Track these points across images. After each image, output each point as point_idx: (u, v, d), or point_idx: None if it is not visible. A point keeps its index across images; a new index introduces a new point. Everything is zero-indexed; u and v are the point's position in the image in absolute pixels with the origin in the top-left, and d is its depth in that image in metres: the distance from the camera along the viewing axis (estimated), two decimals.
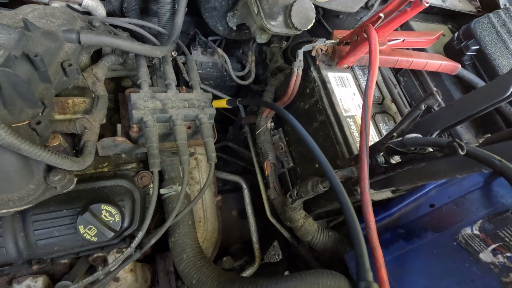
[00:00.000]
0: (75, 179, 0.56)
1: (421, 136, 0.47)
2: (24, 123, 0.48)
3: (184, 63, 1.02)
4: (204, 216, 0.95)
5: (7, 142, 0.42)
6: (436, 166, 0.52)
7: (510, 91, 0.44)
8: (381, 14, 0.63)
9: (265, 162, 0.87)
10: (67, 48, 0.58)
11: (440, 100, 0.46)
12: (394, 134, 0.53)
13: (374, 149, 0.56)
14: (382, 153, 0.57)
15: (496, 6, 0.97)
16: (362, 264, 0.28)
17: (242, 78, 1.16)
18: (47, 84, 0.53)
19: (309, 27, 0.78)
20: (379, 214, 0.73)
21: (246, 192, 1.03)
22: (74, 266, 0.73)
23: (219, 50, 1.11)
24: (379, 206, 0.75)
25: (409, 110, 0.52)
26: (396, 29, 0.91)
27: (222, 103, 0.72)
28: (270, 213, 0.94)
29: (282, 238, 1.02)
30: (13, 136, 0.43)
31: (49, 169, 0.52)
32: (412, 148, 0.50)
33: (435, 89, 0.47)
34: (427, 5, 0.52)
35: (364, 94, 0.55)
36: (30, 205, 0.50)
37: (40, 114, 0.50)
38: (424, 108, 0.48)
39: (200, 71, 1.13)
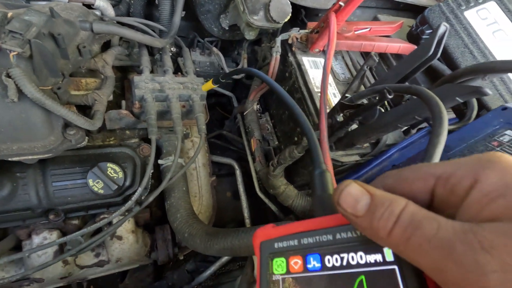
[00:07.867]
0: (86, 138, 0.68)
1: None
2: (48, 87, 0.61)
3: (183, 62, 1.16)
4: (199, 191, 1.05)
5: (35, 97, 0.55)
6: (384, 119, 0.62)
7: (432, 51, 0.55)
8: (341, 3, 0.75)
9: (251, 139, 0.98)
10: (82, 35, 0.72)
11: (377, 60, 0.57)
12: (347, 94, 0.64)
13: (334, 110, 0.67)
14: (341, 114, 0.68)
15: None
16: (317, 155, 0.32)
17: None
18: (66, 60, 0.66)
19: (286, 20, 0.91)
20: (350, 176, 0.82)
21: (238, 173, 1.14)
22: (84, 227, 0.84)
23: (215, 49, 1.25)
24: (350, 170, 0.85)
25: (357, 72, 0.63)
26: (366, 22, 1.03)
27: (209, 85, 0.83)
28: (259, 188, 1.04)
29: (271, 214, 1.11)
30: (40, 93, 0.56)
31: (66, 125, 0.65)
32: (360, 102, 0.61)
33: (372, 52, 0.58)
34: None
35: (324, 63, 0.66)
36: (51, 154, 0.62)
37: (60, 82, 0.63)
38: (367, 69, 0.59)
39: (198, 69, 1.26)
